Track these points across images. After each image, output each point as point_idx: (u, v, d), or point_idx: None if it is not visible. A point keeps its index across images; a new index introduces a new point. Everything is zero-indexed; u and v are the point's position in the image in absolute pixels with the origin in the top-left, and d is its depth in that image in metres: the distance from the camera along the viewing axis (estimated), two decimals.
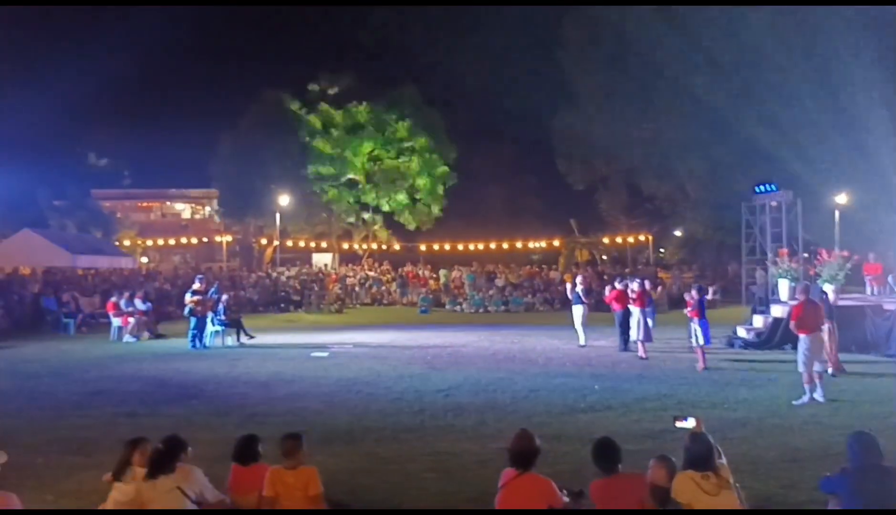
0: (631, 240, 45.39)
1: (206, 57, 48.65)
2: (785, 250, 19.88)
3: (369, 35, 46.34)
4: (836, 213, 30.23)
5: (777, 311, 18.33)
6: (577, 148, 41.06)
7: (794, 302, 12.93)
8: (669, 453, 5.52)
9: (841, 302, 17.63)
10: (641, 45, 37.16)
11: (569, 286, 19.90)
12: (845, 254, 18.31)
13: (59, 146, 41.98)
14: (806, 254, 20.84)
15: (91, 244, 29.64)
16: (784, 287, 19.12)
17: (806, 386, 11.28)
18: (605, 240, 46.30)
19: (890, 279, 22.05)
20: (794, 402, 11.07)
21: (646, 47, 37.12)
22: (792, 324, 12.05)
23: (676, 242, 46.48)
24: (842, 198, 31.29)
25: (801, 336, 11.53)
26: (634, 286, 17.51)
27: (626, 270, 38.40)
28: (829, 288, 17.24)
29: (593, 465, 5.36)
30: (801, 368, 11.43)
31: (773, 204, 20.88)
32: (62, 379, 13.76)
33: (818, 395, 11.15)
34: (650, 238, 45.20)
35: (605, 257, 46.93)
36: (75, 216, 41.61)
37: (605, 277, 30.60)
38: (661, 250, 47.93)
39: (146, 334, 21.32)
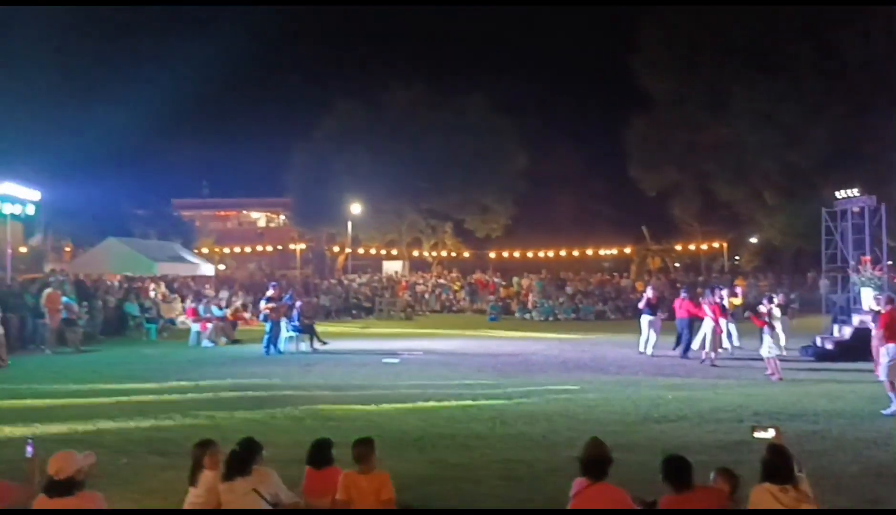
0: (704, 247, 44.41)
1: (280, 70, 49.88)
2: (868, 258, 19.16)
3: (438, 43, 46.69)
4: None
5: (858, 321, 17.69)
6: (649, 153, 40.46)
7: (880, 311, 12.50)
8: (745, 465, 5.41)
9: None
10: (715, 48, 36.48)
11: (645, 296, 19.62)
12: None
13: (142, 157, 43.53)
14: (890, 262, 20.04)
15: (171, 252, 30.60)
16: (867, 296, 18.42)
17: (891, 394, 10.88)
18: (678, 248, 45.42)
19: None
20: (882, 412, 10.70)
21: (719, 50, 36.42)
22: (878, 332, 11.63)
23: (752, 249, 45.26)
24: None
25: (890, 345, 11.12)
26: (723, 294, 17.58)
27: (700, 278, 37.61)
28: None
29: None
30: (882, 377, 11.08)
31: (856, 209, 20.13)
32: (145, 382, 14.24)
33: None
34: (725, 245, 44.13)
35: (677, 265, 46.05)
36: (157, 225, 43.03)
37: (678, 285, 30.00)
38: (737, 258, 46.75)
39: (223, 339, 21.89)
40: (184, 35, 43.27)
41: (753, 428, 5.69)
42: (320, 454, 6.20)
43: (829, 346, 18.17)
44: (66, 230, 41.64)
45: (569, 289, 37.06)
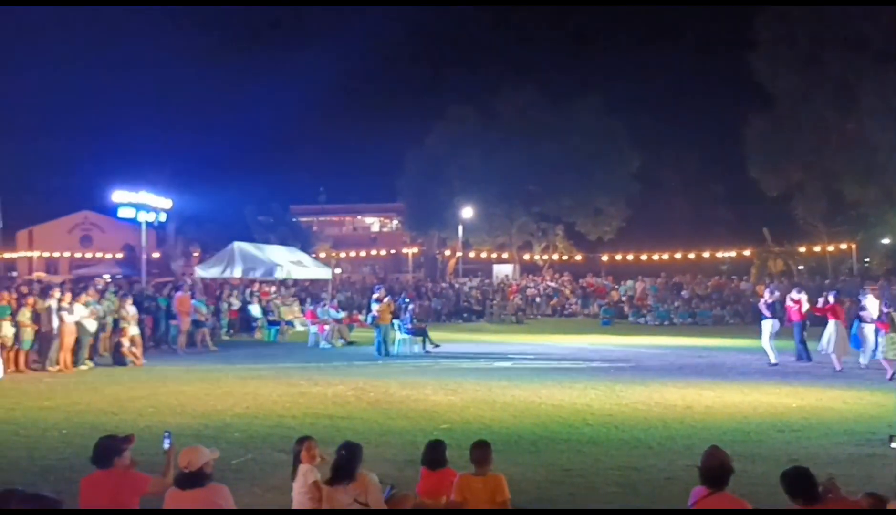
0: (831, 249, 42.16)
1: (394, 77, 50.93)
2: None
3: (549, 46, 46.47)
4: None
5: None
6: (770, 153, 38.80)
7: None
8: (877, 481, 5.13)
9: None
10: (840, 43, 34.67)
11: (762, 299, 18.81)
12: None
13: (263, 166, 45.56)
14: None
15: (291, 256, 31.62)
16: None
17: None
18: (802, 250, 43.33)
19: None
20: None
21: (844, 44, 34.58)
22: None
23: (884, 251, 42.61)
24: None
25: None
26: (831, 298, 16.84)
27: (826, 281, 35.74)
28: None
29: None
30: None
31: None
32: (268, 382, 14.83)
33: None
34: (853, 247, 41.76)
35: (801, 268, 43.93)
36: (277, 231, 44.71)
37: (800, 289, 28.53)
38: (867, 260, 44.14)
39: (340, 341, 22.52)
40: (302, 48, 45.00)
41: (892, 438, 5.39)
42: (435, 455, 6.30)
43: None
44: (194, 236, 43.95)
45: (685, 293, 36.02)
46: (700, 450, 5.36)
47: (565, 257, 46.47)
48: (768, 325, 17.34)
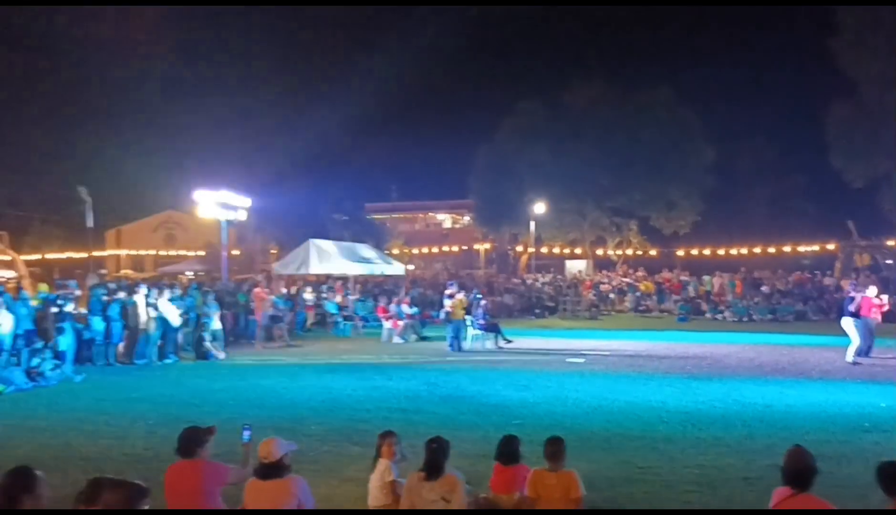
0: None
1: (463, 74, 51.06)
2: None
3: (617, 38, 45.83)
4: None
5: None
6: (854, 141, 37.33)
7: None
8: None
9: None
10: None
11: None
12: None
13: (337, 164, 46.24)
14: None
15: (365, 253, 32.10)
16: None
17: None
18: (891, 243, 41.54)
19: None
20: None
21: None
22: None
23: None
24: None
25: None
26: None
27: None
28: None
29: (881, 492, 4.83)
30: None
31: None
32: (343, 376, 15.07)
33: None
34: None
35: (889, 261, 42.12)
36: (351, 228, 45.36)
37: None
38: None
39: (413, 336, 22.71)
40: (372, 47, 45.52)
41: None
42: (509, 450, 6.30)
43: None
44: (273, 234, 44.96)
45: (765, 288, 34.99)
46: (781, 450, 5.21)
47: (639, 252, 45.76)
48: (849, 322, 16.69)
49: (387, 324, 23.04)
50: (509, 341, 20.83)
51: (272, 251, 46.24)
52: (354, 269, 29.57)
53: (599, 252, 45.97)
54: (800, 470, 4.91)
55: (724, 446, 9.07)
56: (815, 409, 11.20)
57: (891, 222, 41.36)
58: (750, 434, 9.58)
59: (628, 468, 8.11)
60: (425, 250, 51.35)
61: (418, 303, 26.94)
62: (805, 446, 5.19)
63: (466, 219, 56.11)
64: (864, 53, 35.41)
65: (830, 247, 42.47)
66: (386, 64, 40.81)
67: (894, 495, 4.70)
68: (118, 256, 53.93)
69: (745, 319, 31.08)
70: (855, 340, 16.50)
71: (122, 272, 43.30)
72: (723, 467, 8.08)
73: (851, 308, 16.87)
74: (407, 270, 41.86)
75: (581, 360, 17.42)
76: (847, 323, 16.81)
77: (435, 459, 5.66)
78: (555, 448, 5.84)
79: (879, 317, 17.48)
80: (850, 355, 16.32)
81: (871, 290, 17.54)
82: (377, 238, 46.80)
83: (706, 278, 38.09)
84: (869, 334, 16.83)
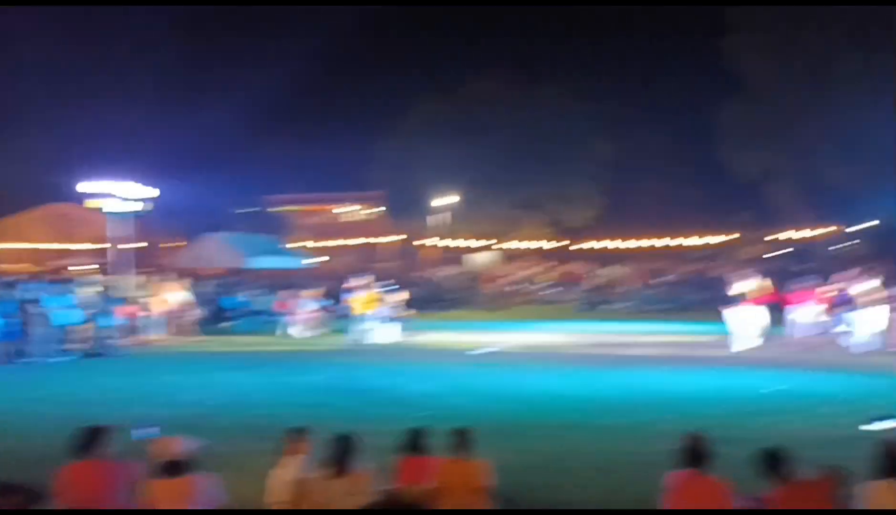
0: (809, 233, 42.49)
1: (368, 65, 50.55)
2: None
3: (519, 33, 46.49)
4: None
5: None
6: (744, 136, 38.95)
7: None
8: (858, 461, 5.15)
9: None
10: (815, 23, 34.89)
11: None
12: None
13: (240, 154, 45.11)
14: None
15: (266, 247, 31.51)
16: None
17: None
18: (779, 235, 43.72)
19: None
20: None
21: (821, 24, 34.78)
22: None
23: (867, 234, 42.85)
24: None
25: None
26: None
27: (808, 265, 36.04)
28: None
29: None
30: None
31: None
32: (246, 371, 14.71)
33: None
34: (833, 230, 42.09)
35: (778, 253, 44.30)
36: (253, 221, 44.39)
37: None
38: (849, 243, 44.41)
39: (318, 330, 22.41)
40: (278, 37, 44.57)
41: (874, 419, 5.42)
42: (416, 442, 6.27)
43: None
44: (173, 226, 43.46)
45: (661, 279, 36.26)
46: (675, 435, 5.37)
47: (543, 244, 46.58)
48: (737, 312, 17.47)
49: (290, 318, 22.64)
50: (416, 334, 20.82)
51: (172, 245, 44.74)
52: (257, 263, 28.97)
53: (504, 244, 46.54)
54: (695, 454, 5.08)
55: (626, 431, 9.31)
56: (712, 394, 11.64)
57: (781, 215, 43.50)
58: (650, 420, 9.85)
59: (533, 456, 8.21)
60: (331, 243, 50.75)
61: (323, 297, 26.59)
62: (701, 430, 5.37)
63: (373, 211, 55.77)
64: (752, 52, 37.00)
65: (722, 239, 44.36)
66: (291, 54, 40.09)
67: (771, 480, 4.92)
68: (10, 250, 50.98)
69: (643, 309, 32.09)
70: (738, 330, 17.26)
71: (19, 266, 40.98)
72: (620, 452, 8.29)
73: (735, 297, 17.71)
74: (312, 263, 41.33)
75: (486, 351, 17.56)
76: (730, 314, 17.56)
77: (342, 455, 5.55)
78: (461, 438, 5.84)
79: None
80: (739, 344, 17.04)
81: (750, 283, 18.31)
82: (280, 231, 45.95)
83: (607, 269, 39.18)
84: (753, 323, 17.64)
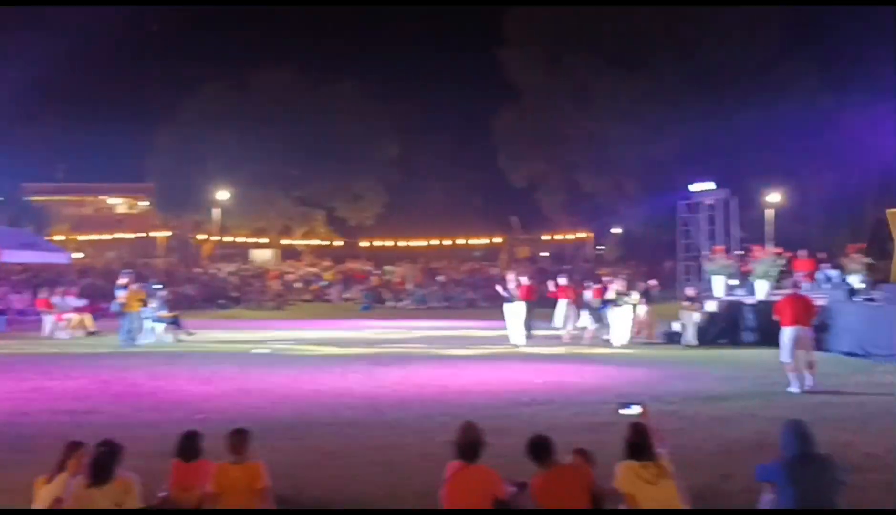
0: (571, 237, 45.96)
1: (141, 50, 47.49)
2: (720, 247, 20.41)
3: (308, 26, 45.97)
4: (769, 212, 31.18)
5: (711, 307, 18.81)
6: (517, 144, 41.36)
7: (780, 296, 13.46)
8: (610, 444, 5.64)
9: (772, 298, 18.25)
10: (581, 44, 37.77)
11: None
12: (778, 251, 18.95)
13: None
14: (741, 252, 21.43)
15: (22, 239, 28.65)
16: (719, 283, 19.62)
17: (790, 375, 11.53)
18: (545, 238, 46.78)
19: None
20: (787, 389, 11.38)
21: (585, 46, 37.74)
22: (776, 317, 12.09)
23: (615, 239, 47.19)
24: (774, 197, 32.26)
25: (785, 328, 11.66)
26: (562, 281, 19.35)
27: (566, 266, 38.85)
28: (761, 285, 17.98)
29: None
30: (785, 359, 11.60)
31: (709, 202, 21.46)
32: None
33: (808, 384, 11.42)
34: (589, 235, 45.81)
35: (544, 254, 47.41)
36: (6, 210, 40.27)
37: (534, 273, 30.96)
38: (601, 247, 48.62)
39: (81, 331, 20.81)
40: (41, 15, 40.52)
41: (620, 405, 5.94)
42: (189, 446, 6.01)
43: (682, 331, 19.22)
44: None
45: (441, 278, 37.48)
46: (455, 427, 5.57)
47: (325, 242, 46.42)
48: (513, 309, 18.53)
49: (49, 318, 20.81)
50: (191, 333, 19.98)
51: None
52: (10, 257, 26.26)
53: (285, 241, 45.79)
54: (469, 444, 5.31)
55: (405, 426, 9.51)
56: (484, 387, 12.21)
57: (547, 218, 46.60)
58: (427, 414, 10.14)
59: (314, 454, 8.17)
60: (96, 237, 47.11)
61: (87, 295, 24.73)
62: (474, 421, 5.61)
63: (144, 204, 52.55)
64: (526, 64, 39.33)
65: (497, 240, 46.69)
66: (54, 34, 36.65)
67: (541, 463, 5.28)
68: None
69: (423, 307, 33.01)
70: (514, 325, 18.31)
71: None
72: (403, 446, 8.46)
73: (507, 294, 18.77)
74: (73, 259, 38.23)
75: (267, 350, 17.23)
76: (511, 310, 18.57)
77: (103, 463, 5.21)
78: (236, 440, 5.68)
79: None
80: (517, 338, 18.04)
81: (521, 281, 19.57)
82: (38, 222, 42.03)
83: (388, 268, 39.85)
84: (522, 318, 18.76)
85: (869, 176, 35.35)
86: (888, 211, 21.11)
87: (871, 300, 16.97)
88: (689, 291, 18.50)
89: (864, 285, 18.53)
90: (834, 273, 20.84)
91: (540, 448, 5.35)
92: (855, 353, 15.41)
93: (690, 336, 17.68)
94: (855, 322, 15.85)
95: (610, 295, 17.72)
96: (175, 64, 44.21)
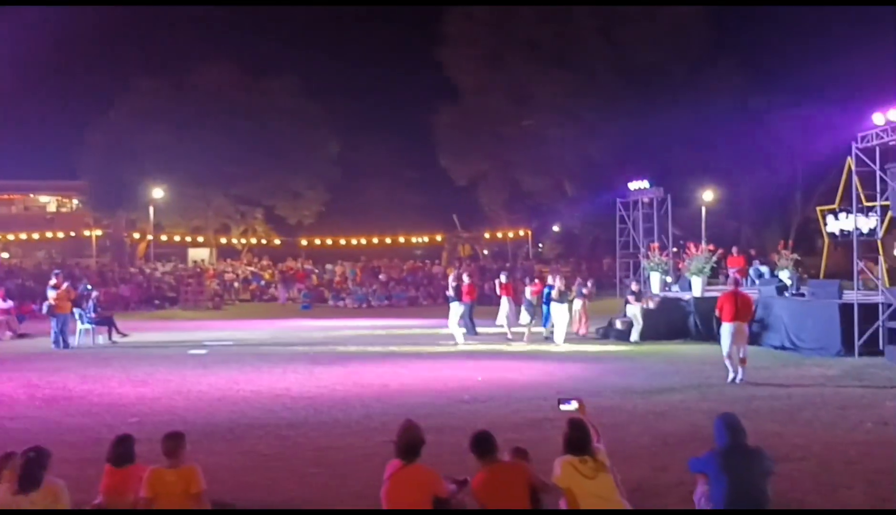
0: (511, 235, 46.32)
1: (74, 43, 46.04)
2: (656, 244, 20.82)
3: (246, 22, 45.31)
4: (703, 210, 31.94)
5: (653, 302, 19.16)
6: (458, 143, 41.49)
7: (720, 293, 14.11)
8: (549, 440, 5.69)
9: (707, 294, 18.76)
10: (519, 44, 38.12)
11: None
12: (711, 248, 19.44)
13: None
14: (675, 249, 21.92)
15: None
16: (655, 280, 20.02)
17: (728, 364, 12.13)
18: (487, 236, 47.05)
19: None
20: (727, 379, 11.98)
21: (523, 46, 38.10)
22: (717, 313, 12.74)
23: (555, 237, 47.74)
24: (708, 196, 33.06)
25: (726, 323, 12.24)
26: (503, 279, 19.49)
27: (507, 264, 39.18)
28: (696, 281, 18.42)
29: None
30: (725, 351, 12.17)
31: (646, 200, 21.86)
32: None
33: (740, 376, 12.00)
34: (530, 233, 46.24)
35: (486, 252, 47.69)
36: None
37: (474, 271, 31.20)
38: (540, 245, 49.14)
39: (8, 334, 20.11)
40: None
41: (559, 401, 6.01)
42: (121, 451, 5.87)
43: (621, 327, 19.57)
44: None
45: (382, 276, 37.35)
46: (396, 426, 5.55)
47: (264, 241, 45.82)
48: (456, 308, 18.57)
49: None
50: (125, 335, 19.47)
51: None
52: None
53: (223, 240, 45.03)
54: (409, 443, 5.29)
55: (344, 426, 9.45)
56: (425, 386, 12.22)
57: (487, 217, 46.90)
58: (368, 414, 10.10)
59: (252, 456, 8.06)
60: (24, 236, 45.56)
61: (15, 296, 23.93)
62: (415, 420, 5.60)
63: (75, 202, 51.05)
64: (466, 63, 39.47)
65: (438, 238, 46.76)
66: None
67: (484, 459, 5.30)
68: None
69: (364, 305, 32.84)
70: (455, 323, 18.36)
71: None
72: (343, 446, 8.41)
73: (451, 292, 18.84)
74: (1, 258, 36.94)
75: (204, 352, 16.91)
76: (451, 308, 18.62)
77: (30, 470, 5.06)
78: (171, 444, 5.55)
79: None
80: (459, 337, 18.06)
81: (462, 279, 19.68)
82: None
83: (329, 267, 39.55)
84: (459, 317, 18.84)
85: (796, 174, 36.64)
86: (818, 208, 21.91)
87: (800, 295, 17.54)
88: (635, 286, 18.70)
89: (793, 281, 19.15)
90: (765, 269, 21.52)
91: (483, 444, 5.37)
92: (784, 347, 15.93)
93: (637, 332, 17.85)
94: (785, 316, 16.35)
95: (555, 292, 17.78)
96: (108, 60, 43.09)
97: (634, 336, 17.90)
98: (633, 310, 18.11)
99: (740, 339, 12.15)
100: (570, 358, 15.40)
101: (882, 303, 14.32)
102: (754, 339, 15.14)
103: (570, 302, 18.58)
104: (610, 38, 36.91)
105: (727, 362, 12.21)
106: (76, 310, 18.84)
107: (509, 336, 18.68)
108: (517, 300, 19.44)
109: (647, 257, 20.63)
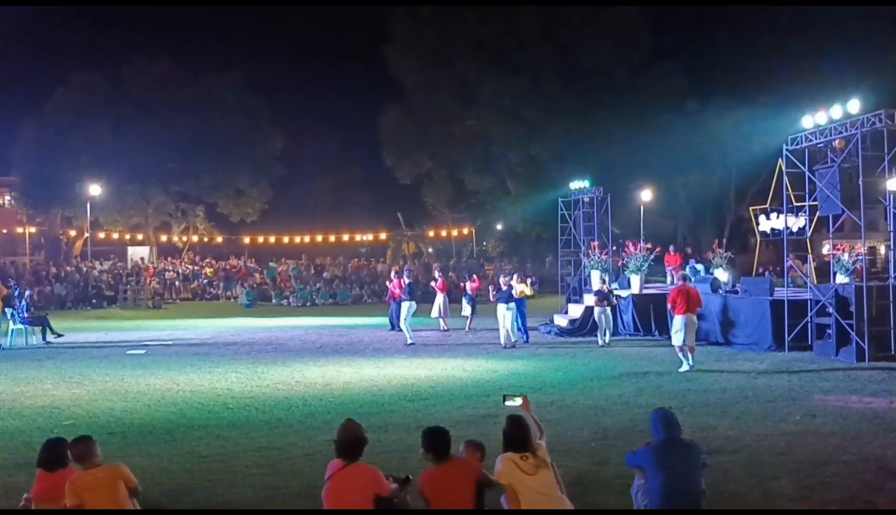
0: (455, 233, 46.49)
1: (6, 37, 44.63)
2: (596, 243, 21.16)
3: (187, 15, 44.50)
4: (642, 209, 32.48)
5: (589, 300, 19.44)
6: (403, 142, 41.44)
7: (672, 287, 15.02)
8: (491, 437, 5.76)
9: (645, 291, 19.16)
10: (464, 44, 38.27)
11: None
12: (649, 246, 19.88)
13: None
14: (615, 247, 22.28)
15: None
16: (596, 277, 20.32)
17: (680, 356, 13.07)
18: (431, 234, 47.13)
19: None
20: (679, 369, 12.79)
21: (468, 46, 38.27)
22: (670, 307, 13.51)
23: (498, 235, 48.03)
24: (646, 195, 33.65)
25: (678, 315, 13.06)
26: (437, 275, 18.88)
27: (451, 262, 39.33)
28: (635, 279, 18.78)
29: (421, 454, 5.41)
30: (679, 342, 13.00)
31: (586, 199, 22.20)
32: None
33: (689, 364, 12.90)
34: (473, 231, 46.47)
35: (430, 250, 47.76)
36: None
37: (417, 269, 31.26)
38: (484, 243, 49.41)
39: None
40: None
41: (504, 397, 6.07)
42: (52, 455, 5.70)
43: (563, 324, 19.85)
44: None
45: (326, 275, 37.11)
46: (338, 425, 5.55)
47: (206, 239, 45.08)
48: (405, 307, 18.53)
49: None
50: (60, 335, 18.97)
51: None
52: None
53: (164, 238, 44.15)
54: (350, 442, 5.28)
55: (287, 426, 9.39)
56: (368, 384, 12.21)
57: (432, 215, 46.98)
58: (310, 413, 10.06)
59: (191, 458, 7.94)
60: None
61: None
62: (357, 418, 5.59)
63: (7, 198, 49.44)
64: (411, 63, 39.43)
65: (383, 236, 46.65)
66: None
67: (437, 457, 5.31)
68: None
69: (308, 304, 32.59)
70: (404, 322, 18.37)
71: None
72: (285, 446, 8.36)
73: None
74: None
75: (143, 352, 16.59)
76: (401, 306, 18.64)
77: None
78: (80, 449, 5.36)
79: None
80: (408, 335, 18.06)
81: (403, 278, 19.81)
82: None
83: (272, 265, 39.11)
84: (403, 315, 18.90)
85: (730, 175, 37.69)
86: (751, 208, 22.61)
87: (733, 292, 18.03)
88: (597, 285, 18.41)
89: (727, 278, 19.67)
90: (700, 266, 22.06)
91: (437, 441, 5.34)
92: (718, 342, 16.38)
93: (607, 335, 17.12)
94: (719, 313, 16.79)
95: (515, 291, 17.48)
96: (43, 54, 41.86)
97: (607, 338, 17.03)
98: (598, 312, 17.39)
99: (691, 329, 13.06)
100: (512, 354, 15.55)
101: (810, 300, 14.83)
102: None
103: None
104: (554, 41, 37.34)
105: (679, 354, 13.06)
106: (8, 310, 18.29)
107: (444, 327, 19.97)
108: (450, 295, 20.33)
109: (588, 255, 20.94)
